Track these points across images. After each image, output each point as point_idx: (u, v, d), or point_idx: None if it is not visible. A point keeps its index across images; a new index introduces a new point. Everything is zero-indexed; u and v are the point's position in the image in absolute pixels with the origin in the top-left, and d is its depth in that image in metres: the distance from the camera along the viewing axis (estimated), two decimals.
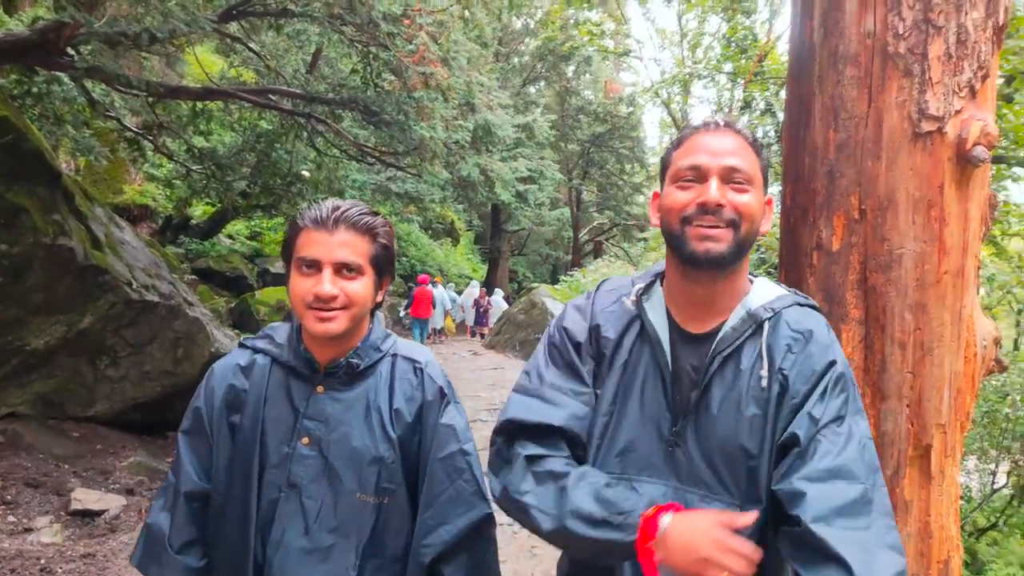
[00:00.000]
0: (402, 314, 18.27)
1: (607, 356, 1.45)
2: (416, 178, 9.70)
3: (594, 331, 1.47)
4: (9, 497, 4.67)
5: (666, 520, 1.22)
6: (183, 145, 9.22)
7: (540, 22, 24.43)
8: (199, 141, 9.66)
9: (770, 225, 1.47)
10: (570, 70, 26.67)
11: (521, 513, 1.33)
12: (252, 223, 16.77)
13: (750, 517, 1.23)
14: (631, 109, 24.72)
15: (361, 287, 1.51)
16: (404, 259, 22.17)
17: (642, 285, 1.50)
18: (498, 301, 20.85)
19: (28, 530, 4.39)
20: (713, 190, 1.34)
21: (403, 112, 7.27)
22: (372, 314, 1.66)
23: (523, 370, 1.51)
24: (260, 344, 1.65)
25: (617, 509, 1.25)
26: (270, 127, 9.34)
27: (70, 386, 5.81)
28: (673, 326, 1.44)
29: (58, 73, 6.99)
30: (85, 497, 4.81)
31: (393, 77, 6.96)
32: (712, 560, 1.16)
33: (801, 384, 1.33)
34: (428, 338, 17.78)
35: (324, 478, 1.54)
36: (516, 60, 26.16)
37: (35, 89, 7.01)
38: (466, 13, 7.35)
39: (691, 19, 18.84)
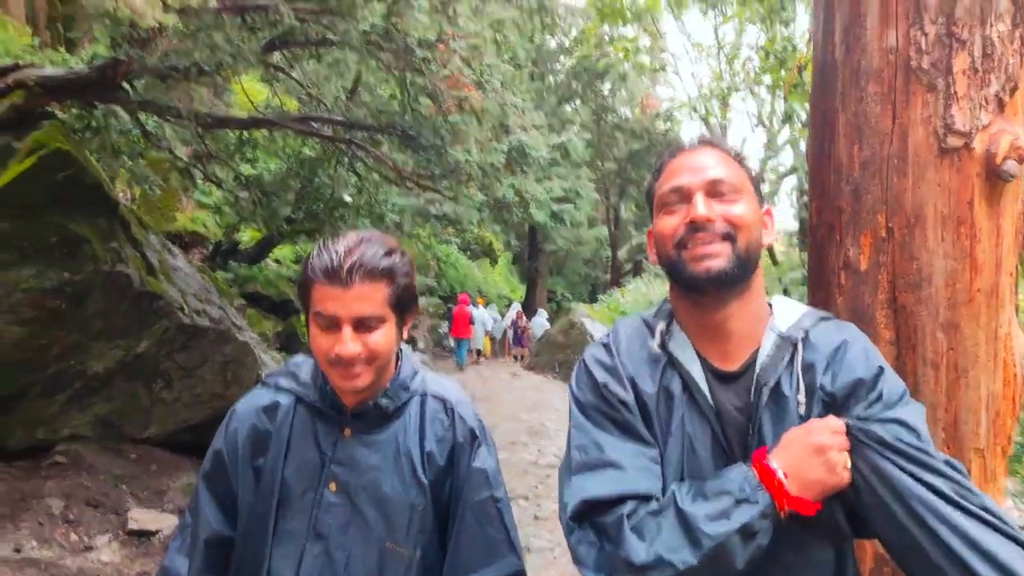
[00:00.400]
0: (452, 341, 18.38)
1: (652, 411, 1.31)
2: (454, 200, 9.84)
3: (632, 385, 1.32)
4: (71, 516, 4.85)
5: (770, 457, 1.18)
6: (231, 173, 9.52)
7: (575, 41, 24.56)
8: (246, 169, 9.96)
9: (774, 237, 1.40)
10: (606, 87, 26.71)
11: (656, 570, 1.16)
12: (297, 248, 17.10)
13: (833, 419, 1.20)
14: (668, 125, 24.63)
15: (383, 337, 1.43)
16: (444, 280, 22.37)
17: (663, 325, 1.37)
18: (542, 322, 20.86)
19: (89, 548, 4.56)
20: (700, 205, 1.27)
21: (439, 136, 7.41)
22: (399, 351, 1.58)
23: (571, 447, 1.34)
24: (283, 383, 1.58)
25: (735, 486, 1.17)
26: (313, 154, 9.56)
27: (127, 409, 6.00)
28: (705, 365, 1.33)
29: (114, 107, 7.32)
30: (141, 517, 4.97)
31: (429, 101, 7.10)
32: (839, 445, 1.16)
33: (851, 400, 1.25)
34: (468, 355, 17.91)
35: (353, 526, 1.46)
36: (551, 79, 26.29)
37: (94, 123, 7.37)
38: (498, 37, 7.47)
39: (728, 31, 18.75)
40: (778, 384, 1.28)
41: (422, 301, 19.61)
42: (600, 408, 1.32)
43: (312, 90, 9.16)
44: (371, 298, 1.39)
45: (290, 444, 1.50)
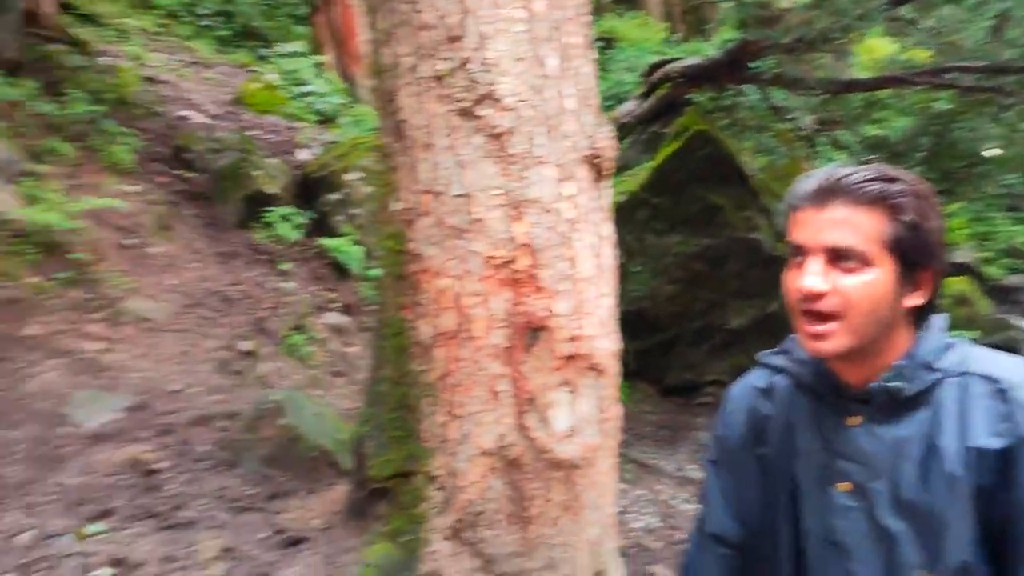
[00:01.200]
0: None
1: None
2: None
3: None
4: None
5: None
6: (856, 137, 9.49)
7: None
8: (870, 130, 9.79)
9: None
10: None
11: None
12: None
13: None
14: None
15: (862, 284, 1.06)
16: None
17: None
18: None
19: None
20: None
21: None
22: (921, 319, 1.17)
23: None
24: (778, 362, 1.31)
25: None
26: (947, 107, 8.82)
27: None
28: None
29: (742, 86, 8.12)
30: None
31: None
32: None
33: None
34: None
35: (875, 541, 1.15)
36: None
37: (725, 103, 8.31)
38: None
39: None
40: None
41: None
42: None
43: (949, 38, 8.40)
44: (851, 224, 1.07)
45: (793, 432, 1.26)
